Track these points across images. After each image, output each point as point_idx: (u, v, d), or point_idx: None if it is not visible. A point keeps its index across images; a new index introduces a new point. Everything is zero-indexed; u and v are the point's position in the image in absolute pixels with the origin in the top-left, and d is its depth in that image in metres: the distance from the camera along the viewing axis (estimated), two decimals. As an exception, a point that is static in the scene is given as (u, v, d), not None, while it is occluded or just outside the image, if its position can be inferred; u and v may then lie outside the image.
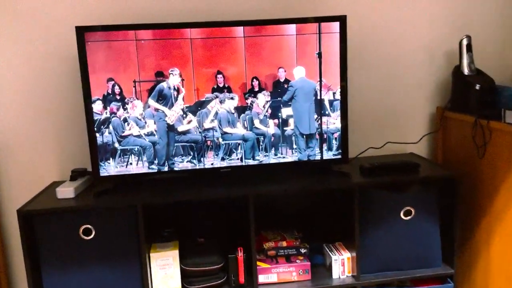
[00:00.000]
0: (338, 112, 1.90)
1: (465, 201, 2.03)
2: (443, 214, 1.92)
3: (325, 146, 1.92)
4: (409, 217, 1.87)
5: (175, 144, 1.84)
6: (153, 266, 1.80)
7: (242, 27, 1.80)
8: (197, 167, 1.87)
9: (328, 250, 1.94)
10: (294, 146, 1.90)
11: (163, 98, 1.81)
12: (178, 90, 1.81)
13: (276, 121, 1.88)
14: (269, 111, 1.87)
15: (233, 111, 1.86)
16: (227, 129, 1.87)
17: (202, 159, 1.86)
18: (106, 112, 1.79)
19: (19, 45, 1.94)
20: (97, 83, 1.76)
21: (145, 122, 1.82)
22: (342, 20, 1.84)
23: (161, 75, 1.79)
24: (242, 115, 1.86)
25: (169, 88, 1.80)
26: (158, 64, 1.78)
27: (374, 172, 1.90)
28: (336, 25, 1.84)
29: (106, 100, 1.78)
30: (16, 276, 2.09)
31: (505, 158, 1.79)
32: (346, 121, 1.91)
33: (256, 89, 1.85)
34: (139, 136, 1.82)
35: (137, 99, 1.79)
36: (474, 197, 1.98)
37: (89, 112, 1.77)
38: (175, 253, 1.81)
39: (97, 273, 1.76)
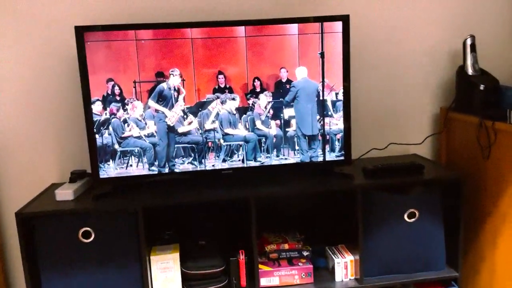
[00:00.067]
0: (341, 113, 1.88)
1: (470, 203, 2.01)
2: (447, 216, 1.90)
3: (327, 148, 1.89)
4: (413, 220, 1.84)
5: (176, 145, 1.82)
6: (154, 269, 1.78)
7: (243, 27, 1.77)
8: (198, 168, 1.84)
9: (330, 252, 1.92)
10: (296, 148, 1.88)
11: (163, 99, 1.78)
12: (178, 91, 1.79)
13: (278, 122, 1.86)
14: (271, 112, 1.85)
15: (234, 112, 1.83)
16: (228, 130, 1.85)
17: (203, 160, 1.84)
18: (105, 113, 1.76)
19: (19, 45, 1.92)
20: (96, 83, 1.74)
21: (145, 123, 1.79)
22: (345, 19, 1.81)
23: (161, 76, 1.77)
24: (244, 116, 1.84)
25: (169, 88, 1.78)
26: (159, 64, 1.76)
27: (377, 174, 1.87)
28: (338, 25, 1.81)
29: (106, 100, 1.76)
30: (14, 279, 2.07)
31: (510, 159, 1.76)
32: (349, 122, 1.88)
33: (258, 89, 1.83)
34: (139, 138, 1.80)
35: (137, 99, 1.77)
36: (479, 199, 1.96)
37: (88, 113, 1.75)
38: (176, 256, 1.79)
39: (96, 276, 1.73)
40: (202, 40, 1.76)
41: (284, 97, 1.84)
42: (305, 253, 1.89)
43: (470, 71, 2.00)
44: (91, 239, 1.71)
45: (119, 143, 1.79)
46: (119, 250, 1.73)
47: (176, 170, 1.84)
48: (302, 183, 1.85)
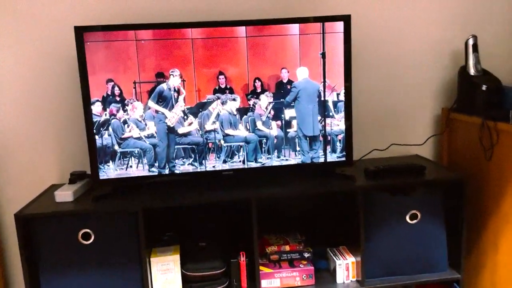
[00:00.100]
0: (342, 114, 1.86)
1: (472, 204, 2.00)
2: (449, 217, 1.88)
3: (329, 148, 1.88)
4: (415, 221, 1.83)
5: (176, 146, 1.81)
6: (154, 271, 1.77)
7: (244, 27, 1.76)
8: (199, 169, 1.83)
9: (332, 254, 1.91)
10: (297, 148, 1.87)
11: (163, 100, 1.77)
12: (178, 91, 1.78)
13: (279, 122, 1.85)
14: (272, 112, 1.84)
15: (235, 113, 1.82)
16: (229, 131, 1.83)
17: (203, 161, 1.83)
18: (105, 114, 1.75)
19: (18, 45, 1.91)
20: (96, 84, 1.73)
21: (146, 124, 1.78)
22: (346, 19, 1.80)
23: (161, 76, 1.76)
24: (244, 116, 1.83)
25: (169, 89, 1.77)
26: (159, 64, 1.75)
27: (379, 175, 1.86)
28: (340, 25, 1.80)
29: (106, 101, 1.75)
30: (14, 281, 2.06)
31: (513, 160, 1.75)
32: (351, 122, 1.87)
33: (259, 90, 1.81)
34: (139, 138, 1.79)
35: (137, 100, 1.76)
36: (481, 200, 1.95)
37: (88, 113, 1.74)
38: (176, 257, 1.78)
39: (96, 278, 1.72)
40: (203, 40, 1.75)
41: (285, 97, 1.83)
42: (306, 255, 1.88)
43: (472, 71, 1.99)
44: (91, 240, 1.70)
45: (119, 144, 1.78)
46: (119, 251, 1.72)
47: (176, 171, 1.82)
48: (303, 184, 1.84)
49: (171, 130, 1.80)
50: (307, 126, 1.86)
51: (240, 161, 1.85)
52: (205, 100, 1.80)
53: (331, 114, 1.87)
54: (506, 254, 1.83)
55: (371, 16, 2.08)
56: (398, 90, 2.16)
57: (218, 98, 1.80)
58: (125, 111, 1.76)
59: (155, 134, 1.79)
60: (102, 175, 1.79)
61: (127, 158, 1.79)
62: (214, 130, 1.82)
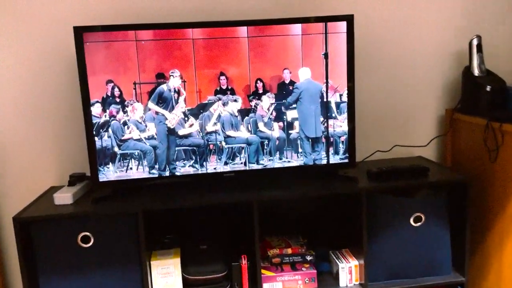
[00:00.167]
0: (345, 115, 1.84)
1: (476, 206, 1.98)
2: (453, 220, 1.86)
3: (331, 150, 1.86)
4: (419, 224, 1.81)
5: (177, 148, 1.79)
6: (154, 274, 1.75)
7: (245, 27, 1.74)
8: (199, 171, 1.81)
9: (334, 257, 1.88)
10: (300, 150, 1.85)
11: (163, 101, 1.75)
12: (178, 92, 1.75)
13: (281, 124, 1.83)
14: (274, 113, 1.82)
15: (236, 114, 1.80)
16: (230, 133, 1.81)
17: (204, 163, 1.81)
18: (105, 115, 1.73)
19: (17, 45, 1.90)
20: (96, 85, 1.71)
21: (146, 126, 1.76)
22: (349, 19, 1.78)
23: (162, 77, 1.74)
24: (246, 118, 1.81)
25: (169, 90, 1.75)
26: (159, 65, 1.73)
27: (382, 177, 1.84)
28: (343, 25, 1.78)
29: (106, 102, 1.72)
30: (13, 285, 2.04)
31: (519, 162, 1.73)
32: (354, 123, 1.85)
33: (260, 91, 1.79)
34: (139, 140, 1.77)
35: (138, 101, 1.74)
36: (485, 202, 1.92)
37: (87, 115, 1.72)
38: (177, 261, 1.75)
39: (96, 282, 1.70)
40: (204, 41, 1.73)
41: (287, 98, 1.81)
42: (308, 258, 1.85)
43: (476, 71, 1.97)
44: (91, 243, 1.68)
45: (119, 146, 1.76)
46: (119, 255, 1.70)
47: (177, 173, 1.80)
48: (305, 186, 1.82)
49: (171, 132, 1.77)
50: (309, 128, 1.84)
51: (241, 163, 1.83)
52: (206, 101, 1.78)
53: (333, 115, 1.84)
54: (511, 257, 1.81)
55: (374, 16, 2.06)
56: (401, 91, 2.14)
57: (219, 99, 1.78)
58: (125, 112, 1.74)
59: (155, 136, 1.77)
60: (102, 177, 1.77)
61: (127, 160, 1.77)
62: (215, 132, 1.80)
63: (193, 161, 1.80)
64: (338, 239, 1.98)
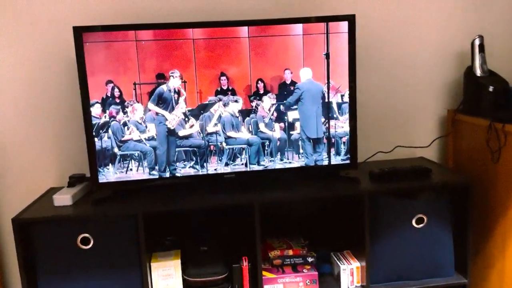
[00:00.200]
0: (347, 115, 1.83)
1: (478, 208, 1.96)
2: (456, 221, 1.85)
3: (333, 151, 1.85)
4: (421, 225, 1.80)
5: (177, 149, 1.77)
6: (154, 276, 1.74)
7: (246, 27, 1.73)
8: (200, 172, 1.80)
9: (336, 259, 1.87)
10: (301, 151, 1.84)
11: (163, 102, 1.74)
12: (178, 93, 1.74)
13: (282, 124, 1.81)
14: (275, 114, 1.80)
15: (237, 115, 1.79)
16: (231, 133, 1.80)
17: (205, 164, 1.80)
18: (105, 116, 1.72)
19: (17, 45, 1.88)
20: (95, 85, 1.69)
21: (146, 126, 1.75)
22: (350, 19, 1.77)
23: (162, 77, 1.72)
24: (247, 118, 1.79)
25: (169, 91, 1.73)
26: (159, 65, 1.71)
27: (384, 178, 1.83)
28: (344, 25, 1.77)
29: (105, 103, 1.71)
30: (12, 287, 2.03)
31: (522, 163, 1.72)
32: (355, 124, 1.84)
33: (261, 91, 1.78)
34: (139, 141, 1.75)
35: (138, 102, 1.73)
36: (488, 204, 1.91)
37: (87, 115, 1.71)
38: (177, 262, 1.74)
39: (96, 284, 1.69)
40: (204, 41, 1.72)
41: (288, 98, 1.80)
42: (310, 259, 1.84)
43: (478, 72, 1.95)
44: (90, 245, 1.67)
45: (119, 147, 1.75)
46: (119, 256, 1.69)
47: (178, 174, 1.79)
48: (307, 188, 1.80)
49: (171, 133, 1.76)
50: (310, 128, 1.82)
51: (242, 164, 1.82)
52: (207, 102, 1.76)
53: (335, 116, 1.83)
54: (514, 259, 1.80)
55: (375, 16, 2.05)
56: (402, 91, 2.13)
57: (220, 99, 1.77)
58: (125, 113, 1.73)
59: (155, 137, 1.76)
60: (102, 178, 1.75)
61: (127, 161, 1.76)
62: (216, 133, 1.79)
63: (194, 162, 1.79)
64: (339, 241, 1.97)
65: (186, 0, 1.94)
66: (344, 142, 1.85)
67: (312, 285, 1.81)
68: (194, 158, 1.79)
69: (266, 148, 1.82)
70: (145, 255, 1.69)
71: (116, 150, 1.75)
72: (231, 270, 1.77)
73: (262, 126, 1.81)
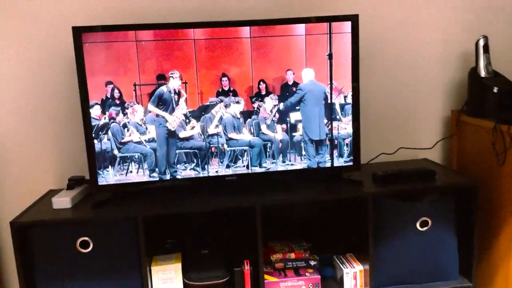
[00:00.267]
0: (350, 117, 1.80)
1: (483, 210, 1.94)
2: (460, 224, 1.82)
3: (335, 153, 1.82)
4: (425, 228, 1.77)
5: (178, 151, 1.75)
6: (155, 280, 1.71)
7: (248, 27, 1.70)
8: (201, 175, 1.77)
9: (339, 262, 1.84)
10: (303, 153, 1.81)
11: (164, 103, 1.71)
12: (179, 94, 1.72)
13: (284, 126, 1.79)
14: (277, 115, 1.78)
15: (238, 116, 1.76)
16: (233, 135, 1.78)
17: (206, 166, 1.77)
18: (104, 117, 1.70)
19: (16, 45, 1.86)
20: (95, 86, 1.67)
21: (146, 128, 1.72)
22: (353, 19, 1.74)
23: (163, 78, 1.70)
24: (248, 120, 1.77)
25: (169, 92, 1.71)
26: (160, 66, 1.69)
27: (388, 180, 1.81)
28: (347, 25, 1.74)
29: (105, 104, 1.69)
30: (10, 290, 2.01)
31: (527, 165, 1.69)
32: (359, 125, 1.81)
33: (263, 92, 1.76)
34: (139, 143, 1.73)
35: (138, 103, 1.70)
36: (492, 206, 1.88)
37: (86, 117, 1.68)
38: (178, 266, 1.72)
39: (95, 288, 1.67)
40: (205, 41, 1.69)
41: (289, 99, 1.77)
42: (312, 263, 1.82)
43: (483, 73, 1.93)
44: (90, 249, 1.64)
45: (119, 149, 1.72)
46: (119, 260, 1.66)
47: (178, 177, 1.77)
48: (309, 190, 1.78)
49: (171, 134, 1.74)
50: (313, 130, 1.80)
51: (244, 166, 1.79)
52: (208, 103, 1.74)
53: (338, 117, 1.81)
54: (520, 262, 1.77)
55: (378, 16, 2.03)
56: (406, 92, 2.10)
57: (221, 101, 1.74)
58: (125, 114, 1.71)
59: (155, 138, 1.73)
60: (101, 181, 1.73)
61: (127, 163, 1.74)
62: (217, 134, 1.77)
63: (195, 164, 1.77)
64: (342, 244, 1.94)
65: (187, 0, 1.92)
66: (347, 144, 1.82)
67: (314, 289, 1.79)
68: (195, 160, 1.77)
69: (268, 150, 1.80)
70: (145, 258, 1.67)
71: (116, 152, 1.72)
72: (233, 273, 1.75)
73: (264, 128, 1.79)
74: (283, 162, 1.81)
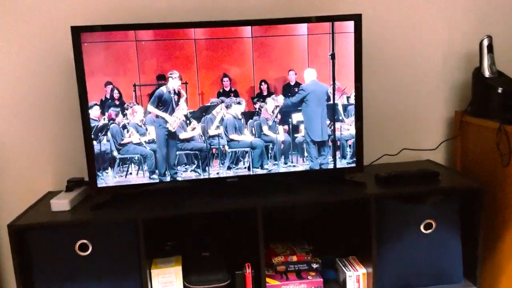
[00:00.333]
0: (353, 118, 1.78)
1: (487, 212, 1.91)
2: (464, 227, 1.80)
3: (338, 154, 1.80)
4: (429, 231, 1.75)
5: (178, 152, 1.73)
6: (155, 283, 1.69)
7: (249, 27, 1.68)
8: (202, 176, 1.75)
9: (341, 265, 1.82)
10: (305, 154, 1.79)
11: (163, 104, 1.69)
12: (179, 94, 1.70)
13: (286, 127, 1.77)
14: (279, 116, 1.76)
15: (240, 117, 1.74)
16: (234, 136, 1.75)
17: (207, 168, 1.75)
18: (104, 118, 1.67)
19: (15, 45, 1.85)
20: (94, 87, 1.65)
21: (146, 129, 1.70)
22: (356, 19, 1.72)
23: (163, 79, 1.68)
24: (250, 121, 1.75)
25: (169, 92, 1.69)
26: (160, 66, 1.67)
27: (391, 182, 1.79)
28: (350, 25, 1.72)
29: (104, 105, 1.67)
30: (8, 293, 1.99)
31: (533, 166, 1.67)
32: (361, 126, 1.79)
33: (265, 93, 1.73)
34: (139, 144, 1.71)
35: (138, 104, 1.68)
36: (497, 208, 1.86)
37: (85, 118, 1.66)
38: (178, 269, 1.70)
39: (94, 291, 1.64)
40: (206, 41, 1.67)
41: (290, 99, 1.75)
42: (314, 266, 1.80)
43: (487, 73, 1.91)
44: (89, 251, 1.62)
45: (118, 150, 1.70)
46: (118, 263, 1.64)
47: (179, 178, 1.74)
48: (311, 192, 1.76)
49: (171, 136, 1.71)
50: (315, 131, 1.78)
51: (245, 168, 1.77)
52: (209, 104, 1.72)
53: (340, 118, 1.78)
54: (525, 265, 1.75)
55: (381, 16, 2.01)
56: (409, 93, 2.08)
57: (222, 101, 1.72)
58: (124, 115, 1.68)
59: (155, 140, 1.71)
60: (101, 183, 1.71)
61: (127, 165, 1.71)
62: (218, 135, 1.74)
63: (195, 165, 1.75)
64: (345, 246, 1.92)
65: (188, -1, 1.90)
66: (349, 145, 1.80)
67: (317, 292, 1.77)
68: (196, 162, 1.74)
69: (270, 151, 1.78)
70: (145, 261, 1.64)
71: (115, 153, 1.70)
72: (234, 277, 1.73)
73: (265, 129, 1.76)
74: (285, 163, 1.79)
